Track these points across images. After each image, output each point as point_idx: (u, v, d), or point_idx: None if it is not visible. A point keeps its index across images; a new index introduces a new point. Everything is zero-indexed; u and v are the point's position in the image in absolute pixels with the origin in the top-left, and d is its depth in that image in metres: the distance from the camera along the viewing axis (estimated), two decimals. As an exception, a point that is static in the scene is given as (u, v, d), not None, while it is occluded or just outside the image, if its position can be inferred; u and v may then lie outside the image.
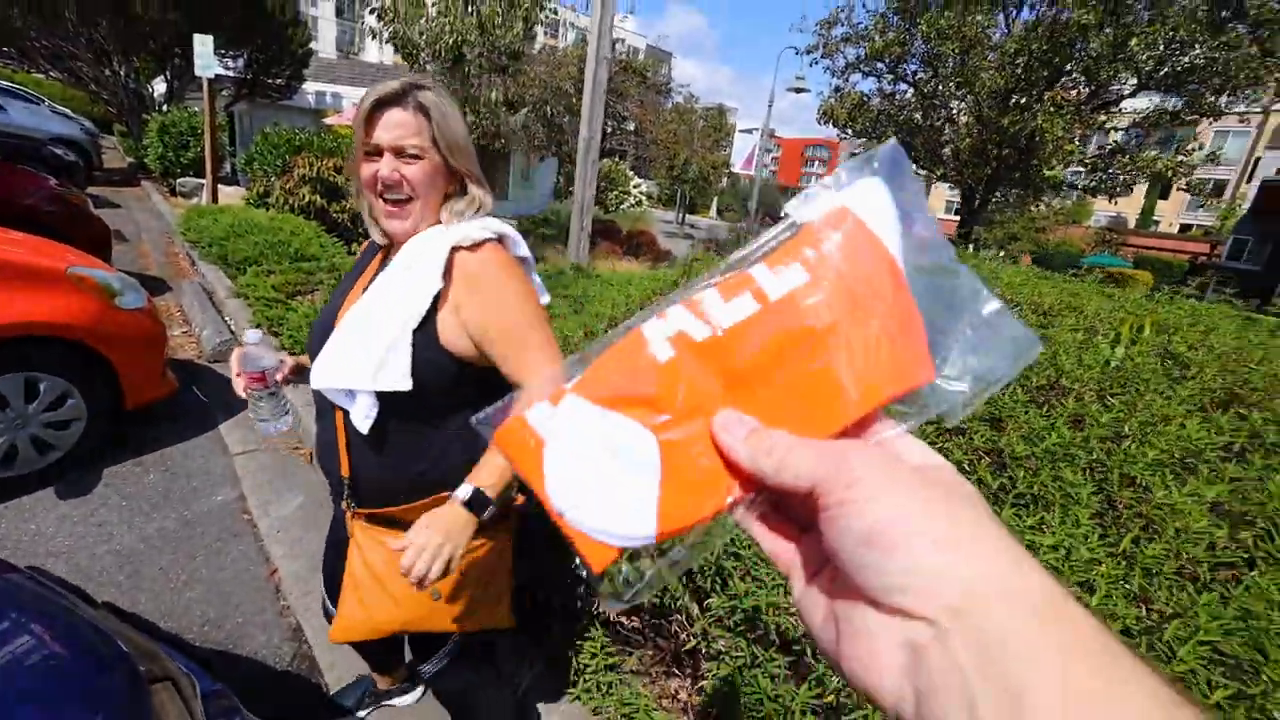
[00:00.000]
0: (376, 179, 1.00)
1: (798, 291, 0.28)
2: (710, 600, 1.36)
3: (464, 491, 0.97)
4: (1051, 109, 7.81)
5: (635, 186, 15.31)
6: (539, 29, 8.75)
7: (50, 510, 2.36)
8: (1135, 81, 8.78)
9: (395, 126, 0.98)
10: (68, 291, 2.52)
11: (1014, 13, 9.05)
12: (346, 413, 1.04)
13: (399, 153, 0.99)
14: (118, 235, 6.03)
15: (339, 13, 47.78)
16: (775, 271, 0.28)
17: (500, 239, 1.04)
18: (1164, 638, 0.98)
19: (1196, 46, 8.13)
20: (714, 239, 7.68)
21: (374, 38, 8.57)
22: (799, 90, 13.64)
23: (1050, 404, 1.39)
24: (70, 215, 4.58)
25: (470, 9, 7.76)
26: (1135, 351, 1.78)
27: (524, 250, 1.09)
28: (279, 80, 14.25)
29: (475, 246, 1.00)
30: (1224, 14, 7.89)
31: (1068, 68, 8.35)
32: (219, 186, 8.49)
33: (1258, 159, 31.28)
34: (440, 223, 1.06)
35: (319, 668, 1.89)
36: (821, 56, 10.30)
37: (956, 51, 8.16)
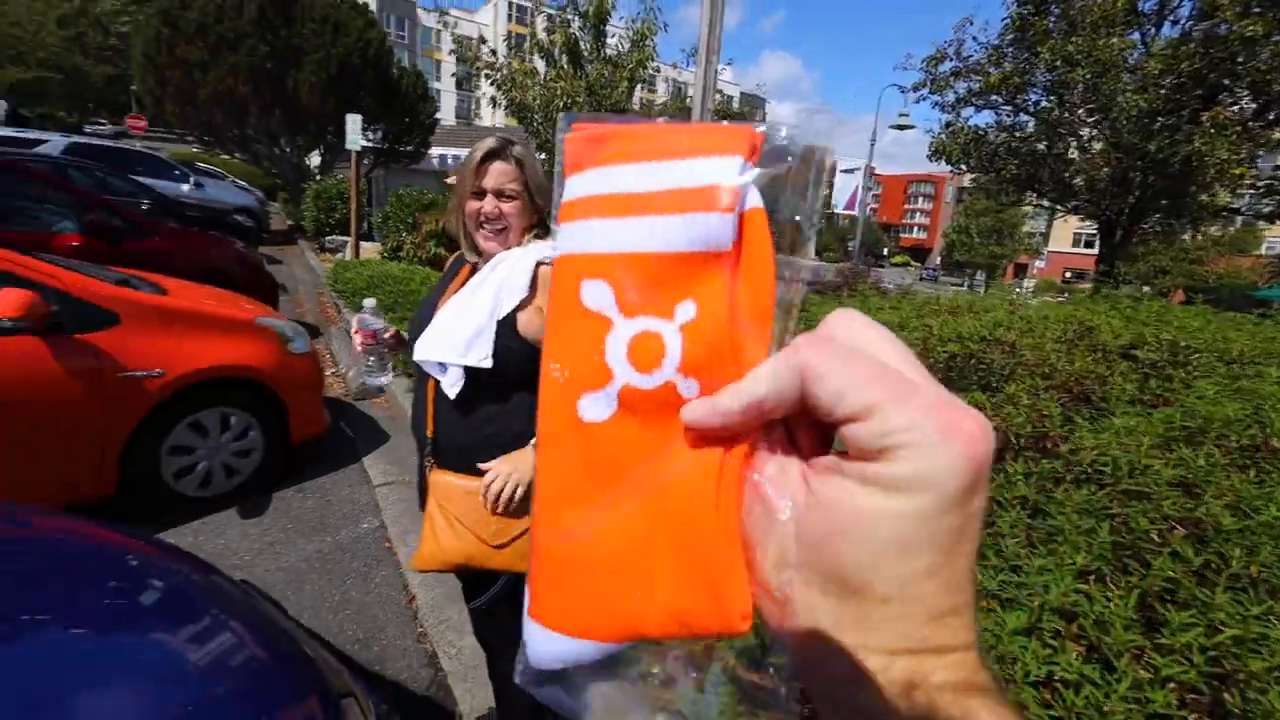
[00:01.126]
0: (481, 213, 1.28)
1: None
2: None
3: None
4: (1212, 130, 6.99)
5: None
6: (637, 89, 9.25)
7: (233, 528, 2.69)
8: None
9: (498, 174, 1.27)
10: (254, 338, 2.93)
11: (1152, 31, 8.34)
12: (438, 382, 1.27)
13: (499, 194, 1.27)
14: (280, 287, 6.94)
15: (459, 85, 53.26)
16: None
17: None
18: None
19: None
20: (817, 279, 7.54)
21: (493, 105, 9.44)
22: (903, 128, 13.30)
23: (1260, 468, 1.21)
24: (250, 272, 5.37)
25: (580, 74, 8.36)
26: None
27: None
28: (409, 147, 16.00)
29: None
30: None
31: (1225, 83, 7.50)
32: (360, 243, 9.58)
33: None
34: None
35: (453, 696, 1.97)
36: (930, 93, 10.02)
37: (1088, 77, 7.59)
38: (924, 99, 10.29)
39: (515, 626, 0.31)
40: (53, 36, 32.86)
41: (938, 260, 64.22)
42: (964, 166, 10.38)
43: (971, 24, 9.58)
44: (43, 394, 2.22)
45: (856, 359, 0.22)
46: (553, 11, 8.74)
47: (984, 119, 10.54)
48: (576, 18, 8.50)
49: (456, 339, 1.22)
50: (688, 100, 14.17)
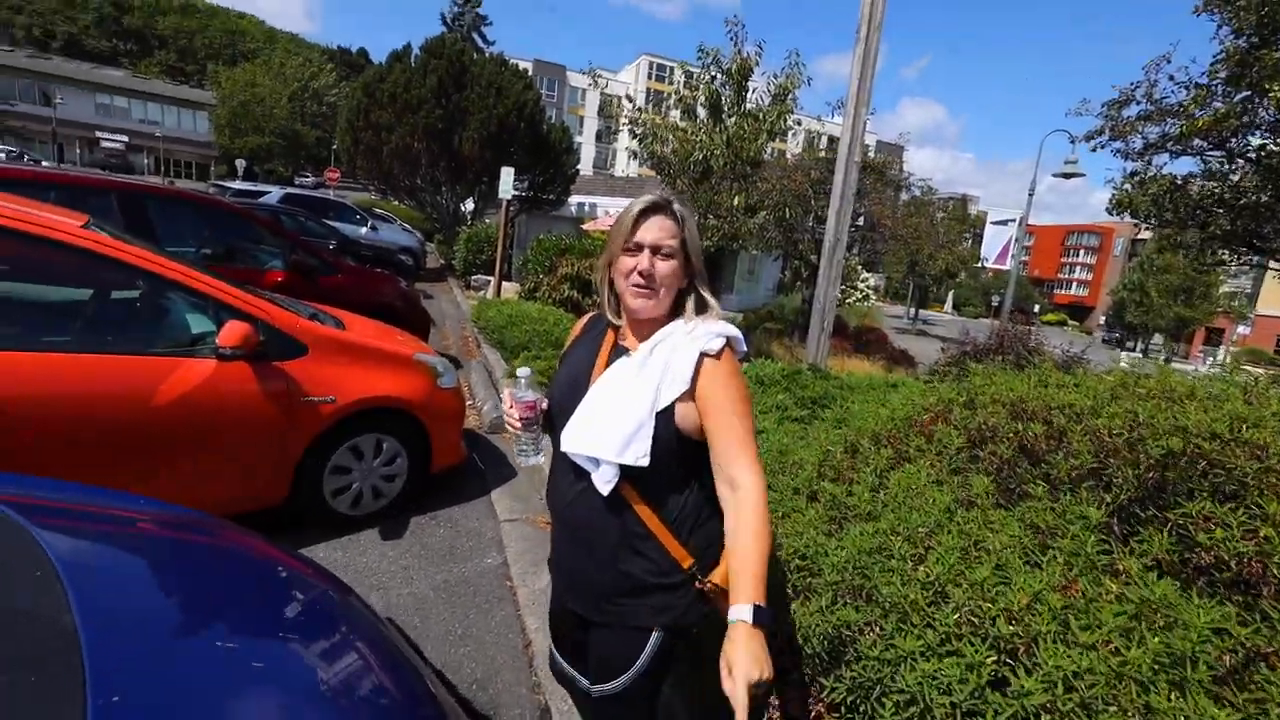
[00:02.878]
0: (635, 269, 1.21)
1: None
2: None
3: (745, 613, 1.01)
4: None
5: (863, 281, 14.80)
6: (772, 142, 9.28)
7: (374, 548, 2.89)
8: None
9: (657, 229, 1.22)
10: (411, 372, 3.19)
11: None
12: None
13: (656, 250, 1.21)
14: (430, 321, 7.65)
15: (598, 137, 57.40)
16: None
17: (729, 341, 1.23)
18: None
19: None
20: (967, 338, 6.79)
21: (633, 157, 9.93)
22: (1070, 175, 12.00)
23: None
24: (409, 307, 5.97)
25: (719, 127, 8.57)
26: None
27: (744, 348, 1.29)
28: (551, 196, 17.29)
29: (717, 355, 1.20)
30: None
31: None
32: (502, 283, 10.37)
33: None
34: (677, 315, 1.28)
35: (563, 762, 1.90)
36: (1110, 139, 8.90)
37: (1336, 116, 6.29)
38: (1101, 147, 9.17)
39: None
40: (283, 110, 40.29)
41: (1101, 320, 56.53)
42: (1154, 221, 9.01)
43: (1169, 62, 8.45)
44: (244, 412, 2.55)
45: None
46: (695, 69, 9.13)
47: (1181, 166, 9.22)
48: (720, 74, 8.76)
49: (614, 434, 1.16)
50: (821, 152, 13.98)
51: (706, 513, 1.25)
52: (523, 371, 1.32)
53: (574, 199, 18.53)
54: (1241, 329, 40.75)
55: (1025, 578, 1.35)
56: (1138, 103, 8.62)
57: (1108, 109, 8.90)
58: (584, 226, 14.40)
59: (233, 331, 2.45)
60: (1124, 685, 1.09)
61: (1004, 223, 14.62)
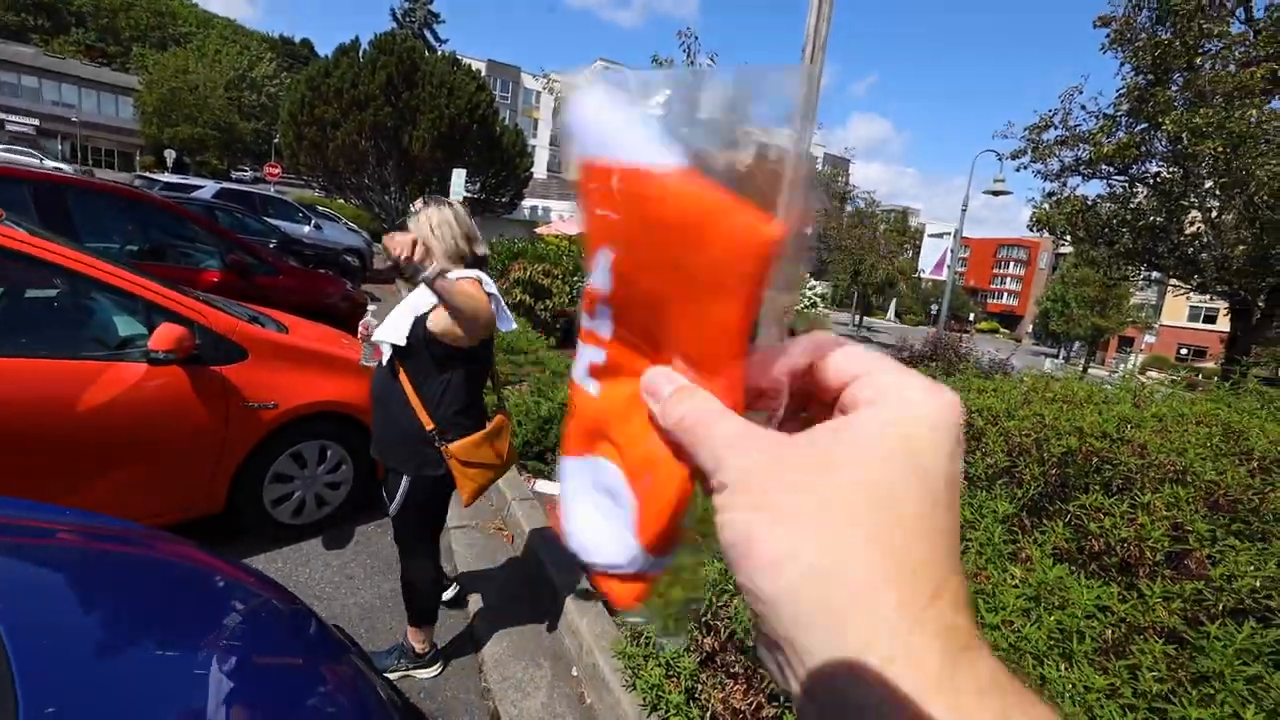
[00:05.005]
0: None
1: (616, 266, 0.27)
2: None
3: (431, 271, 1.63)
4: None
5: (810, 289, 15.32)
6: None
7: (317, 558, 2.82)
8: None
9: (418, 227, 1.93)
10: (356, 377, 3.12)
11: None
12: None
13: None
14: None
15: (552, 141, 57.09)
16: (594, 262, 0.28)
17: (477, 279, 1.82)
18: None
19: None
20: (905, 345, 7.18)
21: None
22: (998, 193, 12.83)
23: None
24: (354, 310, 5.81)
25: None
26: None
27: (491, 288, 1.84)
28: (504, 199, 17.12)
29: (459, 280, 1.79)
30: None
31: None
32: (453, 285, 10.19)
33: None
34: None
35: (512, 763, 1.92)
36: (1031, 160, 9.62)
37: (1220, 149, 7.04)
38: (1025, 167, 9.89)
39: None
40: (219, 100, 38.24)
41: (1029, 328, 60.20)
42: (1069, 238, 9.77)
43: (1081, 93, 9.22)
44: (178, 419, 2.46)
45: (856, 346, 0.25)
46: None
47: (1093, 188, 10.03)
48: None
49: (392, 325, 1.84)
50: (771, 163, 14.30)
51: (455, 403, 1.89)
52: (370, 307, 2.08)
53: (527, 202, 18.43)
54: (1149, 338, 44.35)
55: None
56: (1055, 127, 9.36)
57: (1029, 132, 9.61)
58: (538, 230, 14.32)
59: (166, 334, 2.36)
60: (1022, 659, 1.22)
61: (940, 235, 15.46)
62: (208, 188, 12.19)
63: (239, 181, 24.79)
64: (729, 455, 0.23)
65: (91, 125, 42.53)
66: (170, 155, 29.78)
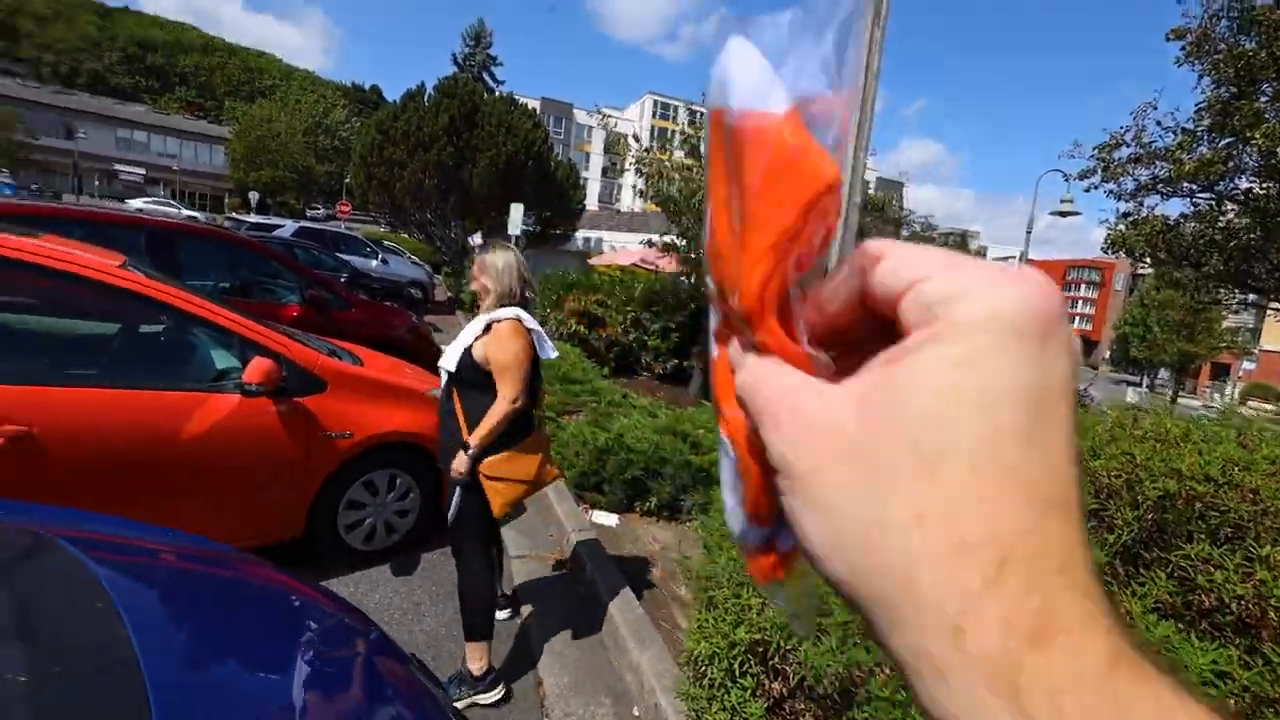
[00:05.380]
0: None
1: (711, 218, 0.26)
2: None
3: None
4: None
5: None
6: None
7: (386, 584, 2.91)
8: None
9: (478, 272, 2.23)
10: (425, 408, 3.25)
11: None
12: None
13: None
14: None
15: (603, 172, 58.60)
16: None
17: (514, 318, 2.10)
18: None
19: None
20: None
21: (639, 195, 10.17)
22: (1065, 214, 12.25)
23: None
24: (419, 341, 6.08)
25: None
26: None
27: (531, 324, 2.15)
28: (558, 231, 17.63)
29: (500, 320, 2.10)
30: None
31: None
32: (509, 315, 10.51)
33: None
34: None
35: (574, 803, 1.90)
36: (1102, 180, 9.15)
37: (1319, 162, 6.48)
38: (1095, 187, 9.41)
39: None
40: (297, 145, 41.44)
41: (1106, 354, 56.41)
42: (1148, 261, 9.16)
43: (1156, 108, 8.74)
44: (265, 447, 2.62)
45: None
46: (699, 107, 9.40)
47: (1174, 207, 9.40)
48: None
49: (449, 355, 2.20)
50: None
51: None
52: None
53: (580, 234, 18.91)
54: (1247, 364, 40.68)
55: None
56: (1127, 145, 8.88)
57: (1099, 151, 9.15)
58: (590, 261, 14.65)
59: (258, 367, 2.54)
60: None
61: (1005, 259, 14.84)
62: (287, 226, 13.13)
63: (313, 219, 26.61)
64: (777, 445, 0.21)
65: (189, 172, 46.88)
66: (254, 197, 32.32)
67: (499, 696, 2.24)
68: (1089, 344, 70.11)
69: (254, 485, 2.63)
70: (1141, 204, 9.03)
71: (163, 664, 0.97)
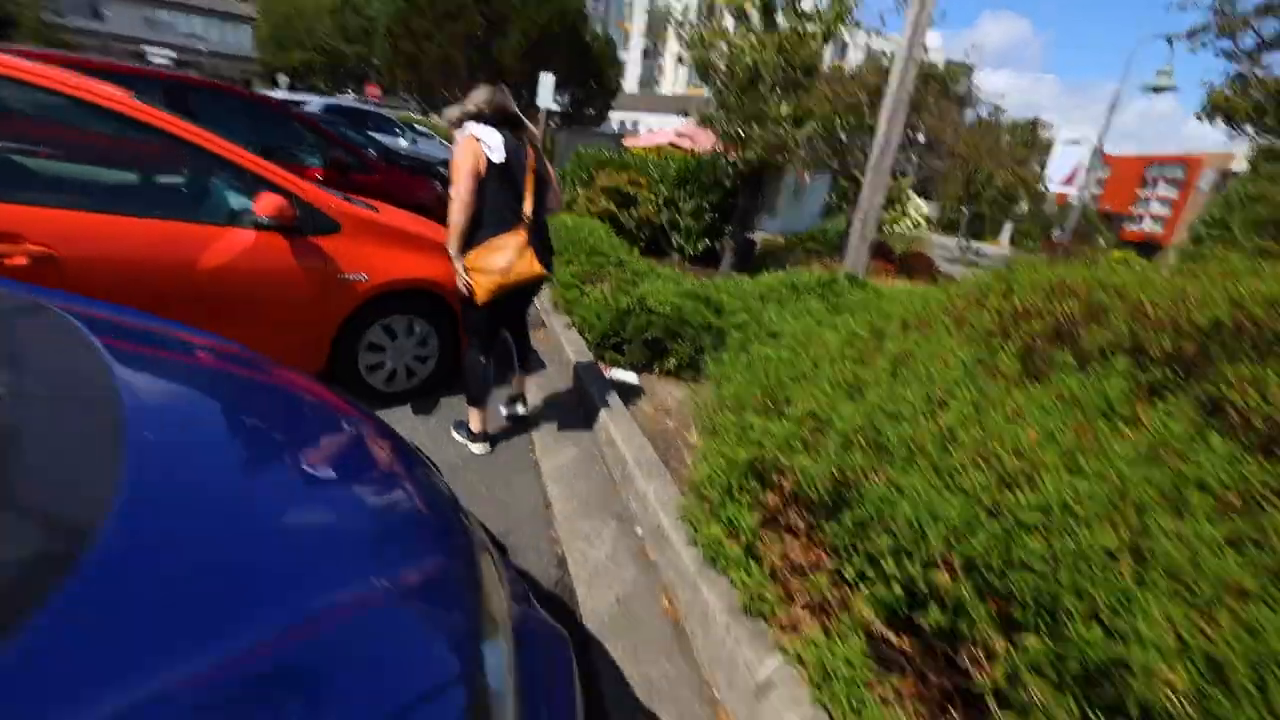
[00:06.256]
0: None
1: None
2: (1027, 638, 1.06)
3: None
4: None
5: (915, 208, 13.95)
6: (828, 48, 8.55)
7: (406, 419, 3.05)
8: None
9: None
10: (442, 258, 3.21)
11: None
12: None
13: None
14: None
15: (644, 54, 54.36)
16: None
17: (470, 134, 2.40)
18: None
19: None
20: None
21: (680, 62, 9.40)
22: (1161, 89, 10.77)
23: None
24: (444, 209, 5.98)
25: (770, 28, 7.95)
26: None
27: (481, 133, 2.42)
28: (592, 111, 16.71)
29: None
30: None
31: None
32: (539, 197, 10.25)
33: None
34: None
35: (576, 600, 2.04)
36: (1217, 37, 7.79)
37: None
38: (1204, 45, 8.05)
39: None
40: (323, 26, 39.55)
41: (1171, 259, 52.08)
42: (1251, 129, 7.96)
43: None
44: (283, 282, 2.66)
45: None
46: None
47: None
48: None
49: None
50: (885, 62, 12.82)
51: (475, 222, 2.49)
52: None
53: (615, 115, 17.88)
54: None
55: (1040, 418, 1.33)
56: (1254, -8, 7.49)
57: (1216, 2, 7.78)
58: (625, 141, 13.94)
59: (269, 202, 2.52)
60: (1124, 506, 1.08)
61: (1076, 142, 13.34)
62: (315, 102, 12.78)
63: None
64: None
65: (218, 55, 45.57)
66: (283, 79, 31.44)
67: (485, 451, 2.87)
68: (1154, 248, 64.90)
69: (271, 321, 2.70)
70: (1259, 63, 7.70)
71: (148, 425, 0.98)
